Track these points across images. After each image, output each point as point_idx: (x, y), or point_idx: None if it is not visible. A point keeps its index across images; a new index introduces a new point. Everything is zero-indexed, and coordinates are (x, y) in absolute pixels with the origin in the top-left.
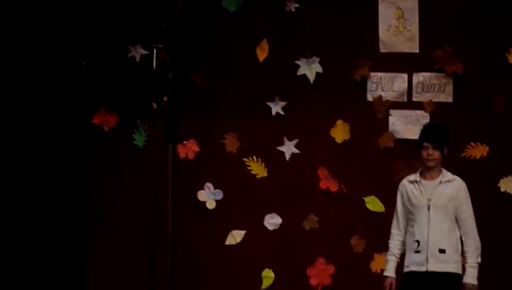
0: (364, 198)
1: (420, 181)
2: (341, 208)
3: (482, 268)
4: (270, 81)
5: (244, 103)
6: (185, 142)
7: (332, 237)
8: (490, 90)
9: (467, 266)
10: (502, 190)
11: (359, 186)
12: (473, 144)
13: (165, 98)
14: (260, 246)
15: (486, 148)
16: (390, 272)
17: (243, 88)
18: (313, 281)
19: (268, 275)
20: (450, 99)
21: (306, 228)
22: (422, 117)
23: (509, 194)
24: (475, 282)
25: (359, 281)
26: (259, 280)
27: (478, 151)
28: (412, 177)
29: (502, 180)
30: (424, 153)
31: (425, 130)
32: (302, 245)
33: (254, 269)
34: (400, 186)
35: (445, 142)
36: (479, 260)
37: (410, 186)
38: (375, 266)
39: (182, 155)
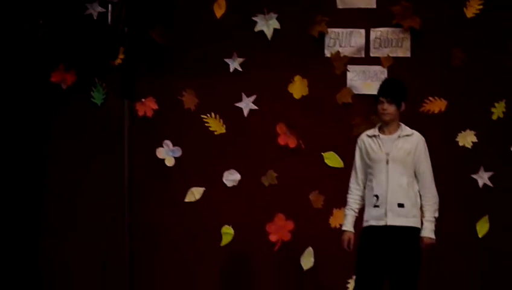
0: (322, 154)
1: (379, 136)
2: (300, 163)
3: (439, 222)
4: (228, 37)
5: (201, 60)
6: (143, 100)
7: (291, 193)
8: (448, 45)
9: (424, 220)
10: (460, 144)
11: (317, 142)
12: (431, 98)
13: (121, 55)
14: (219, 203)
15: (445, 103)
16: (348, 226)
17: (201, 45)
18: (273, 237)
19: (227, 232)
20: (407, 54)
21: (265, 184)
22: (380, 72)
23: (468, 148)
24: (432, 236)
25: (318, 237)
26: (219, 237)
27: (436, 105)
28: (370, 131)
29: (460, 135)
30: (380, 108)
31: (382, 85)
32: (261, 201)
33: (213, 226)
34: (359, 141)
35: (401, 97)
36: (437, 214)
37: (368, 140)
38: (334, 222)
39: (141, 113)
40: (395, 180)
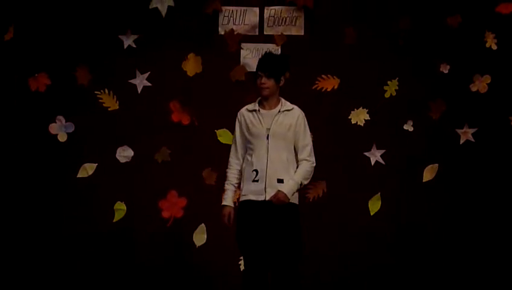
0: (216, 131)
1: (259, 110)
2: (193, 140)
3: (333, 199)
4: (122, 14)
5: (95, 36)
6: (36, 75)
7: (185, 169)
8: (341, 23)
9: (289, 178)
10: (353, 121)
11: (211, 119)
12: (324, 76)
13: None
14: (112, 179)
15: (337, 81)
16: (228, 201)
17: (95, 21)
18: (165, 214)
19: (120, 208)
20: (301, 33)
21: (158, 161)
22: (274, 50)
23: (360, 125)
24: (289, 195)
25: (211, 214)
26: (112, 213)
27: (329, 83)
28: (250, 106)
29: (352, 113)
30: (258, 82)
31: (260, 60)
32: (154, 178)
33: (106, 202)
34: (239, 115)
35: (280, 71)
36: (306, 182)
37: (248, 115)
38: None
39: (33, 88)
40: (275, 155)
